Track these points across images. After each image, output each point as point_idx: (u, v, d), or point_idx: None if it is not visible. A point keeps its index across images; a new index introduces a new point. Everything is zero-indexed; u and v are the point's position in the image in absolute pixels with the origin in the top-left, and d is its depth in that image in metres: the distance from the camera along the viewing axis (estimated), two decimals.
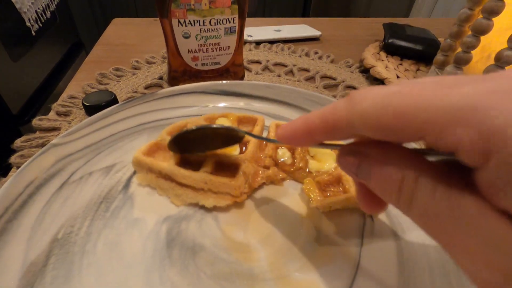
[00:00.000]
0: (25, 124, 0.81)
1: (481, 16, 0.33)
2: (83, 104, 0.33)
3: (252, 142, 0.28)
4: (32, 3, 0.87)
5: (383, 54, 0.51)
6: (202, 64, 0.38)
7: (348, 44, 0.60)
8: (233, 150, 0.27)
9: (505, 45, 0.31)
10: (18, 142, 0.30)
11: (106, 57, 0.49)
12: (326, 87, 0.44)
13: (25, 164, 0.23)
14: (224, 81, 0.36)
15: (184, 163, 0.26)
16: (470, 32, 0.35)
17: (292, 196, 0.26)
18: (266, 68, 0.49)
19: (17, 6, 0.81)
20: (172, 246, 0.22)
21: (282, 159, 0.28)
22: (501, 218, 0.09)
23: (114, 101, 0.34)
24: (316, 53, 0.54)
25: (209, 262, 0.21)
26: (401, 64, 0.49)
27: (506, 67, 0.32)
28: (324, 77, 0.47)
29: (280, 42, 0.57)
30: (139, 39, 0.56)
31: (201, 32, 0.35)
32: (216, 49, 0.37)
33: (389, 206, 0.25)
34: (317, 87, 0.44)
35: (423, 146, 0.17)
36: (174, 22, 0.34)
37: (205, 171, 0.24)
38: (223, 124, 0.29)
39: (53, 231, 0.21)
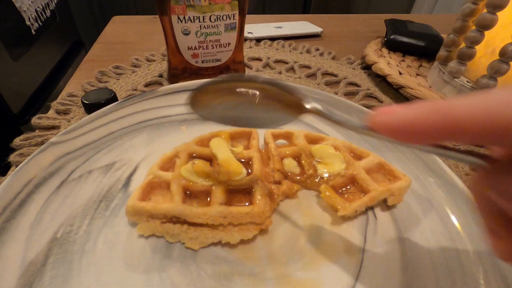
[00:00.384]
0: (25, 123, 0.81)
1: (485, 10, 0.33)
2: (82, 102, 0.33)
3: (256, 158, 0.25)
4: (32, 2, 0.87)
5: (385, 50, 0.51)
6: (202, 61, 0.38)
7: (350, 40, 0.59)
8: (239, 173, 0.24)
9: (509, 40, 0.31)
10: (17, 141, 0.30)
11: (105, 55, 0.49)
12: (327, 84, 0.44)
13: (23, 162, 0.23)
14: None
15: (186, 197, 0.23)
16: (474, 27, 0.35)
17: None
18: (267, 65, 0.48)
19: (17, 5, 0.81)
20: (172, 245, 0.21)
21: (290, 170, 0.26)
22: None
23: (113, 99, 0.34)
24: (317, 49, 0.53)
25: (210, 261, 0.20)
26: (403, 61, 0.48)
27: (511, 63, 0.32)
28: (325, 74, 0.47)
29: (280, 39, 0.57)
30: (138, 37, 0.56)
31: (201, 28, 0.35)
32: (216, 46, 0.37)
33: (390, 205, 0.24)
34: (318, 84, 0.44)
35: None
36: (174, 18, 0.33)
37: (219, 204, 0.21)
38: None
39: (52, 230, 0.21)
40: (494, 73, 0.33)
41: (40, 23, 0.91)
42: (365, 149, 0.27)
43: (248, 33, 0.56)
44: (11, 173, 0.23)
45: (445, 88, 0.39)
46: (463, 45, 0.36)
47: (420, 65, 0.48)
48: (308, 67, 0.48)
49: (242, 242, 0.22)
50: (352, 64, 0.50)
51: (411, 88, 0.38)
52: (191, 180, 0.23)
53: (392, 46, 0.51)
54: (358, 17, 0.73)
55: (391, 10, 1.53)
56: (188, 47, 0.36)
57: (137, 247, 0.21)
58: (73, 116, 0.34)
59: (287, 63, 0.49)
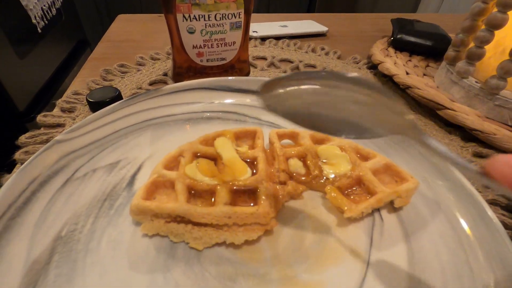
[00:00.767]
0: (31, 121, 0.82)
1: (495, 9, 0.32)
2: (87, 100, 0.33)
3: (261, 158, 0.25)
4: (38, 0, 0.87)
5: (391, 50, 0.50)
6: (207, 60, 0.38)
7: (355, 40, 0.59)
8: (244, 173, 0.24)
9: None
10: (22, 139, 0.30)
11: (110, 54, 0.49)
12: None
13: (28, 160, 0.23)
14: (230, 77, 0.36)
15: (190, 196, 0.23)
16: (483, 26, 0.34)
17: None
18: (272, 64, 0.48)
19: (23, 3, 0.82)
20: (177, 245, 0.21)
21: (296, 171, 0.26)
22: None
23: (118, 97, 0.33)
24: (322, 49, 0.53)
25: (214, 262, 0.20)
26: (410, 60, 0.48)
27: None
28: None
29: (286, 38, 0.57)
30: (143, 36, 0.56)
31: (206, 27, 0.35)
32: (221, 44, 0.37)
33: (397, 207, 0.24)
34: None
35: None
36: (179, 17, 0.33)
37: (224, 204, 0.21)
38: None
39: (57, 229, 0.21)
40: (504, 73, 0.32)
41: (46, 22, 0.92)
42: (372, 150, 0.27)
43: (253, 32, 0.56)
44: (16, 171, 0.23)
45: (453, 88, 0.38)
46: (472, 45, 0.36)
47: (427, 65, 0.47)
48: (314, 66, 0.48)
49: (247, 242, 0.21)
50: (358, 63, 0.49)
51: (418, 88, 0.38)
52: (196, 179, 0.23)
53: (398, 45, 0.50)
54: (364, 16, 0.72)
55: (396, 9, 1.51)
56: (193, 46, 0.36)
57: (141, 247, 0.21)
58: (78, 114, 0.34)
59: (292, 62, 0.49)
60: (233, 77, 0.36)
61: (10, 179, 0.21)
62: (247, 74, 0.42)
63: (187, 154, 0.25)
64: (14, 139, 0.29)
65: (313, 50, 0.53)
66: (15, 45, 0.79)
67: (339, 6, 1.62)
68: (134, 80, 0.41)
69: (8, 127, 0.78)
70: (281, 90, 0.17)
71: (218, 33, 0.36)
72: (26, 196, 0.22)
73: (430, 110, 0.37)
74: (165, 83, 0.42)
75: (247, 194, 0.23)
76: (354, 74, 0.16)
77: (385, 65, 0.43)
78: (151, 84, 0.41)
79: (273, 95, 0.17)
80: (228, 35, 0.36)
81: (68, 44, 1.12)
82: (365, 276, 0.20)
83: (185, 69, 0.39)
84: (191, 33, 0.35)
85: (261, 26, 0.58)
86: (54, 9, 0.97)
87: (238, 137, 0.28)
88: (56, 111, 0.35)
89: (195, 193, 0.23)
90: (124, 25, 0.60)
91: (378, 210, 0.24)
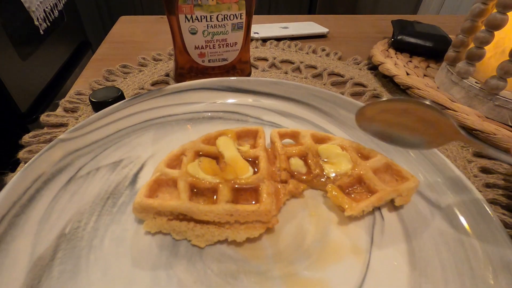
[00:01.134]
0: (33, 122, 0.82)
1: (495, 10, 0.32)
2: (90, 100, 0.33)
3: (262, 157, 0.25)
4: (41, 2, 0.88)
5: (392, 51, 0.50)
6: (209, 61, 0.38)
7: (356, 41, 0.59)
8: (246, 171, 0.24)
9: None
10: (26, 138, 0.30)
11: (113, 55, 0.50)
12: (334, 84, 0.44)
13: (32, 159, 0.23)
14: (232, 77, 0.36)
15: (192, 194, 0.23)
16: (483, 27, 0.34)
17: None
18: (273, 65, 0.48)
19: (26, 5, 0.82)
20: (179, 242, 0.21)
21: (297, 169, 0.26)
22: None
23: (121, 97, 0.34)
24: (323, 50, 0.53)
25: (216, 259, 0.20)
26: (410, 61, 0.48)
27: None
28: (331, 74, 0.47)
29: (287, 39, 0.57)
30: (145, 37, 0.56)
31: (208, 28, 0.35)
32: (223, 45, 0.37)
33: (397, 206, 0.24)
34: (324, 84, 0.43)
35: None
36: (181, 17, 0.33)
37: (226, 202, 0.21)
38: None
39: (60, 226, 0.21)
40: (504, 74, 0.32)
41: (49, 23, 0.92)
42: (372, 149, 0.27)
43: (254, 33, 0.56)
44: (21, 169, 0.23)
45: (453, 89, 0.38)
46: (472, 45, 0.36)
47: (428, 66, 0.48)
48: (314, 67, 0.48)
49: (249, 240, 0.21)
50: (358, 64, 0.50)
51: (419, 89, 0.38)
52: (198, 177, 0.23)
53: (399, 46, 0.50)
54: (364, 17, 0.72)
55: (397, 11, 1.52)
56: (195, 47, 0.36)
57: (144, 244, 0.21)
58: (81, 114, 0.35)
59: (293, 63, 0.49)
60: (235, 77, 0.36)
61: (15, 177, 0.22)
62: (249, 74, 0.43)
63: (189, 153, 0.25)
64: (17, 139, 0.30)
65: (314, 51, 0.53)
66: (17, 47, 0.79)
67: (339, 8, 1.63)
68: (136, 81, 0.42)
69: (10, 128, 0.79)
70: (369, 114, 0.23)
71: (220, 34, 0.36)
72: (31, 193, 0.22)
73: None
74: (167, 83, 0.42)
75: (248, 192, 0.23)
76: (425, 99, 0.22)
77: (385, 66, 0.44)
78: (153, 84, 0.42)
79: (365, 118, 0.24)
80: (230, 36, 0.37)
81: (70, 46, 1.13)
82: (366, 274, 0.20)
83: (187, 70, 0.39)
84: (193, 33, 0.35)
85: (262, 28, 0.59)
86: (57, 11, 0.98)
87: (240, 136, 0.29)
88: (59, 111, 0.35)
89: (197, 191, 0.23)
90: (126, 27, 0.61)
91: (378, 208, 0.25)
